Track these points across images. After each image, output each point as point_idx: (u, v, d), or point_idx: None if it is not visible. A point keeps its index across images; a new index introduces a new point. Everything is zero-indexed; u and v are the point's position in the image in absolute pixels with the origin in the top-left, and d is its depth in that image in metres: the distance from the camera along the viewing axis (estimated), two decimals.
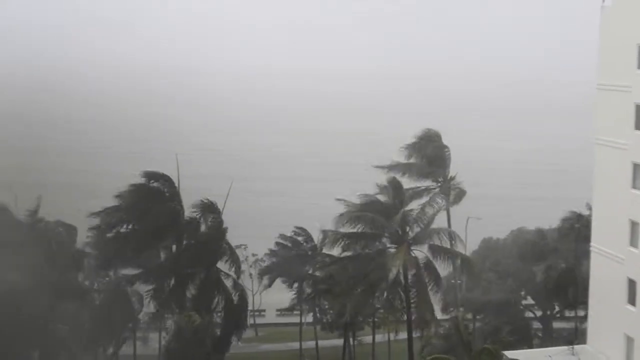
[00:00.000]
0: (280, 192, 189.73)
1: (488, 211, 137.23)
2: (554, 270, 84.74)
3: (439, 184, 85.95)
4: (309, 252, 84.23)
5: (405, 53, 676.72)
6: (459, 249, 72.89)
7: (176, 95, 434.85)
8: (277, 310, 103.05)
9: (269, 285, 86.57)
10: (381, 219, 70.60)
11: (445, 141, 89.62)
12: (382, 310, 79.36)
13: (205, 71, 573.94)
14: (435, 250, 71.39)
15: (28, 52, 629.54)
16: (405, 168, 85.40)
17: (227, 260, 76.53)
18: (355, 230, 71.60)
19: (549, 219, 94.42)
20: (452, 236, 71.12)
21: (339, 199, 72.87)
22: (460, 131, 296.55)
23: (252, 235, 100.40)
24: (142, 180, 77.07)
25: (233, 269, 76.92)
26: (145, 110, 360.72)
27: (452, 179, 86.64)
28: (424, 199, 75.51)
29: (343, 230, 72.12)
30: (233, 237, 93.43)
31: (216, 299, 74.60)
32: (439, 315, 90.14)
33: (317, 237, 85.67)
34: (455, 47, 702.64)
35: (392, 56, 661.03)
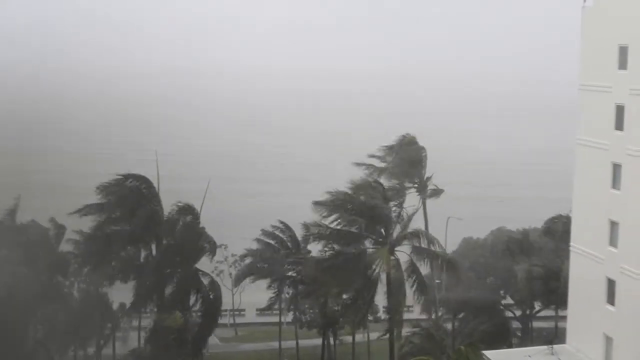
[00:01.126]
0: (276, 192, 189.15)
1: (476, 211, 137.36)
2: (534, 269, 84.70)
3: (416, 184, 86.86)
4: (293, 250, 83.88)
5: (405, 53, 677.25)
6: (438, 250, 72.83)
7: (175, 96, 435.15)
8: (257, 309, 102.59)
9: (241, 280, 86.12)
10: (361, 219, 70.62)
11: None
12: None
13: (205, 71, 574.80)
14: (419, 252, 71.07)
15: (26, 53, 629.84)
16: (381, 171, 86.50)
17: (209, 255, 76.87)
18: (337, 226, 71.81)
19: (533, 219, 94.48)
20: (429, 238, 71.20)
21: (316, 202, 72.96)
22: (460, 131, 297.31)
23: (247, 235, 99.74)
24: (120, 181, 77.01)
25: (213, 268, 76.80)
26: (145, 110, 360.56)
27: (429, 179, 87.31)
28: (401, 199, 75.75)
29: (326, 222, 72.31)
30: (225, 238, 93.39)
31: (194, 298, 74.43)
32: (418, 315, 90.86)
33: (300, 234, 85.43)
34: (455, 47, 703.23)
35: (391, 57, 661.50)
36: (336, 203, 72.18)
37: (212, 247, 76.65)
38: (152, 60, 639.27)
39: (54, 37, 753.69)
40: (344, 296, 75.53)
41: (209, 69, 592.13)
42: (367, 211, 71.20)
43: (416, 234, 70.69)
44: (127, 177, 76.97)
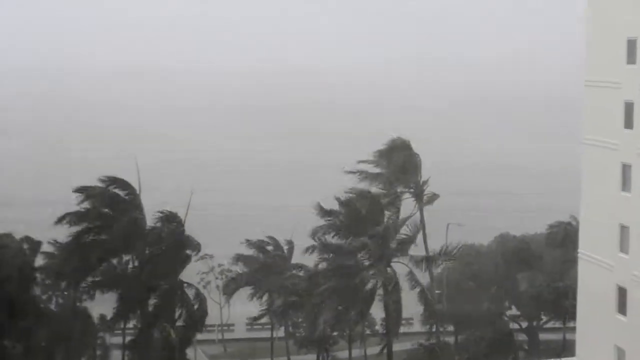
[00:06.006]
0: (260, 202, 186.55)
1: (474, 217, 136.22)
2: (538, 278, 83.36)
3: (411, 189, 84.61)
4: (279, 262, 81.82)
5: (400, 51, 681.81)
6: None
7: (161, 100, 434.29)
8: (247, 318, 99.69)
9: (231, 295, 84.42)
10: (362, 238, 70.58)
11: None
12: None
13: (176, 73, 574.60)
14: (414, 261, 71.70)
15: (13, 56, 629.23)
16: (373, 177, 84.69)
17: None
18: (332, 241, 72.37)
19: (537, 225, 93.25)
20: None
21: (315, 209, 73.20)
22: (455, 133, 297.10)
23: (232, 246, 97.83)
24: (102, 186, 74.51)
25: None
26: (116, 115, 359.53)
27: (425, 183, 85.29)
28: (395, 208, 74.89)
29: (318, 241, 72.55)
30: (209, 249, 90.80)
31: (179, 311, 72.43)
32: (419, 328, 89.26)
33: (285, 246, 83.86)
34: (454, 44, 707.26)
35: (379, 57, 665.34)
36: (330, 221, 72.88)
37: (197, 247, 74.18)
38: (137, 63, 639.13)
39: (37, 41, 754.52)
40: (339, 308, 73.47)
41: (183, 71, 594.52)
42: (360, 227, 71.24)
43: (409, 242, 70.86)
44: (109, 181, 74.20)
